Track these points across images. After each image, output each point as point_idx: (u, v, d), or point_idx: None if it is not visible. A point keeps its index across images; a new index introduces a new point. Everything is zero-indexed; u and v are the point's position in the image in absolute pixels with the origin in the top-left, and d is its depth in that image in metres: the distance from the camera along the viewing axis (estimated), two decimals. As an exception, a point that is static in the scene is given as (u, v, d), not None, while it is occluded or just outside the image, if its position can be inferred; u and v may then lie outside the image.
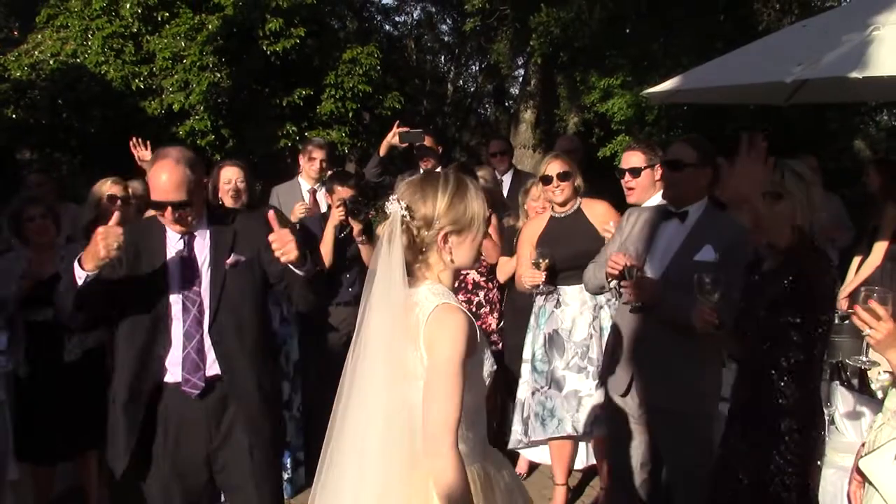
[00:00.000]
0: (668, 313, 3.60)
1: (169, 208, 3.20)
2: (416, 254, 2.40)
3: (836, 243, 6.45)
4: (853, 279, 6.10)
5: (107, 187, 5.22)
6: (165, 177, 3.16)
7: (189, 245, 3.31)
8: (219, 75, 9.46)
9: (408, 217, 2.37)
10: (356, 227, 5.29)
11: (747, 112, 11.34)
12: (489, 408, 3.13)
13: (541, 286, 4.69)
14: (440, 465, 2.21)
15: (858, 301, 2.53)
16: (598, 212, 4.69)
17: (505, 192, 6.61)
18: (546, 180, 4.73)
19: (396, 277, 2.34)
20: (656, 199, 4.16)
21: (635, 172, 4.19)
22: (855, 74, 4.26)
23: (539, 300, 4.87)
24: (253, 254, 3.32)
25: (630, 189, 4.22)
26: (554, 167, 4.72)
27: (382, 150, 6.58)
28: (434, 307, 2.32)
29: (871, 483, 2.64)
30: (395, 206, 2.38)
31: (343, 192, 5.32)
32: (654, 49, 11.09)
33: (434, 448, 2.22)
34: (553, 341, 4.75)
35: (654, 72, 10.14)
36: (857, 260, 6.17)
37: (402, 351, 2.31)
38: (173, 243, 3.34)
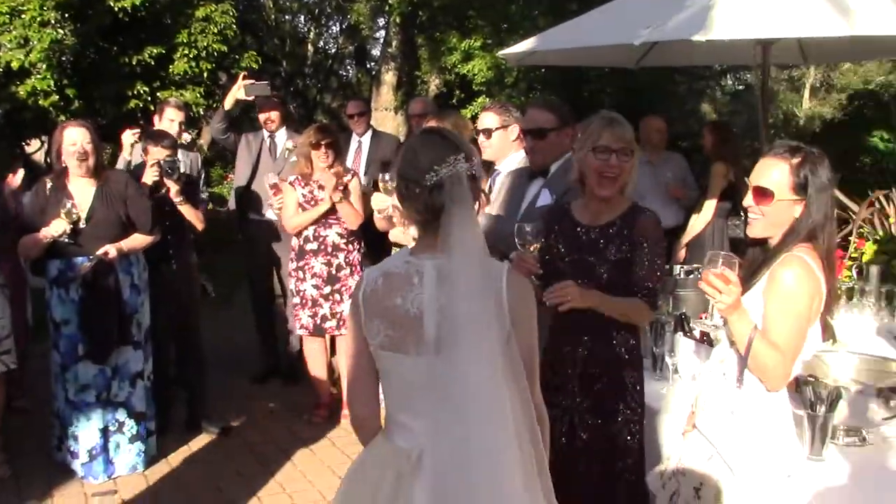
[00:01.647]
0: None
1: None
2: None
3: (682, 202, 6.74)
4: (689, 230, 6.45)
5: None
6: None
7: None
8: (62, 32, 8.92)
9: (473, 169, 2.20)
10: (173, 188, 5.24)
11: (602, 74, 11.64)
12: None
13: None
14: None
15: (705, 266, 2.60)
16: None
17: (364, 154, 6.56)
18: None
19: (480, 244, 2.16)
20: (518, 157, 4.21)
21: (487, 133, 4.25)
22: (698, 37, 4.41)
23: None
24: None
25: (483, 149, 4.27)
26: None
27: (227, 104, 6.43)
28: (506, 269, 2.22)
29: (707, 439, 2.76)
30: (462, 165, 2.16)
31: (158, 152, 5.25)
32: (512, 11, 11.19)
33: None
34: None
35: (513, 33, 10.24)
36: (694, 217, 6.50)
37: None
38: None
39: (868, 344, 4.59)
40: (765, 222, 2.71)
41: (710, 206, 6.38)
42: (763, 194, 2.68)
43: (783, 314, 2.58)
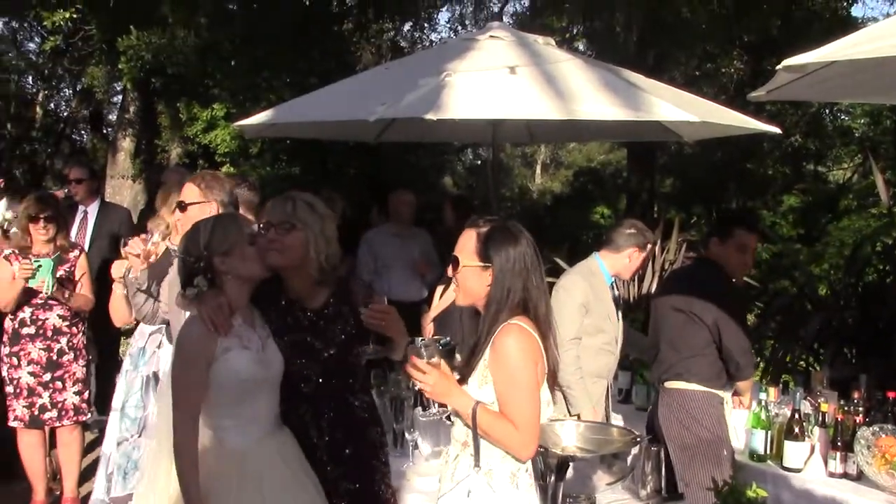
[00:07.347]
0: None
1: None
2: None
3: (425, 279, 6.77)
4: (437, 305, 6.52)
5: None
6: None
7: None
8: None
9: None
10: None
11: (347, 147, 11.77)
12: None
13: None
14: None
15: (412, 352, 2.61)
16: None
17: (90, 226, 6.12)
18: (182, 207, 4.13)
19: None
20: None
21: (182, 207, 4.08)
22: (430, 116, 4.51)
23: (142, 339, 4.49)
24: None
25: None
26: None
27: None
28: None
29: None
30: None
31: None
32: (257, 82, 11.07)
33: None
34: (151, 384, 4.42)
35: (256, 104, 10.11)
36: (440, 289, 6.58)
37: None
38: None
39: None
40: (460, 290, 2.78)
41: None
42: (455, 263, 2.76)
43: (512, 386, 2.62)
